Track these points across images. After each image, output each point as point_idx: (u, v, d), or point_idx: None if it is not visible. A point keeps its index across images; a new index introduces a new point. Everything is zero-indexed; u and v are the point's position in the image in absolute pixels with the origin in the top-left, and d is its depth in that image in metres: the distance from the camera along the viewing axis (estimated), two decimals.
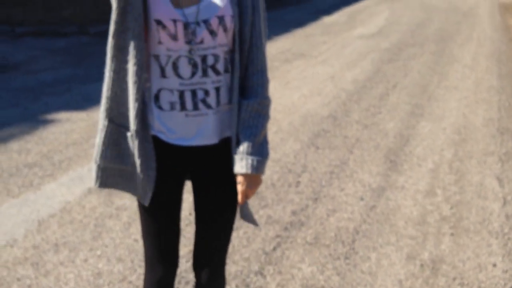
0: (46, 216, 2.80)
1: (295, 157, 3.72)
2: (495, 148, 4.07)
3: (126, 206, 2.92)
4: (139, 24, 1.33)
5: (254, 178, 1.46)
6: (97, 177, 1.50)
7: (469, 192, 3.32)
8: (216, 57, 1.40)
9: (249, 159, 1.43)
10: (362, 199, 3.16)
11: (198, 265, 1.61)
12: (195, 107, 1.41)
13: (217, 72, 1.41)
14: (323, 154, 3.81)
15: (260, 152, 1.47)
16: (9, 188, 3.10)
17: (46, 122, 4.17)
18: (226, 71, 1.43)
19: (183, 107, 1.40)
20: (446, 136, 4.28)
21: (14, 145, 3.70)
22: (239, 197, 1.46)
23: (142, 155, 1.42)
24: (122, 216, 2.83)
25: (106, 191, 3.02)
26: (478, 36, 9.59)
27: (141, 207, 1.52)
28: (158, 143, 1.45)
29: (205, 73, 1.39)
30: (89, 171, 3.34)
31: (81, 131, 4.04)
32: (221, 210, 1.55)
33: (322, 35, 8.94)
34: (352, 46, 8.08)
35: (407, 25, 10.66)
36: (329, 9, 12.81)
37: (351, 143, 4.05)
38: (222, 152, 1.49)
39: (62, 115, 4.36)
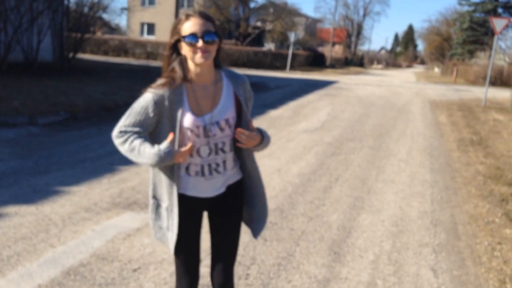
0: None
1: (244, 249, 3.85)
2: (429, 239, 4.38)
3: None
4: (170, 130, 2.05)
5: (257, 138, 2.13)
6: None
7: (406, 282, 3.54)
8: (223, 143, 2.15)
9: (266, 132, 2.22)
10: None
11: (215, 271, 2.31)
12: (210, 174, 2.16)
13: (224, 152, 2.17)
14: (271, 246, 3.97)
15: (268, 136, 2.23)
16: None
17: None
18: (230, 150, 2.20)
19: (203, 174, 2.15)
20: (385, 228, 4.57)
21: None
22: (245, 133, 2.07)
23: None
24: None
25: None
26: (411, 132, 10.38)
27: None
28: (184, 197, 2.16)
29: (216, 153, 2.15)
30: (38, 266, 3.33)
31: (29, 225, 4.02)
32: (230, 230, 2.31)
33: (269, 129, 9.40)
34: (297, 139, 8.54)
35: (347, 120, 11.39)
36: (275, 103, 13.53)
37: (297, 235, 4.25)
38: (228, 194, 2.26)
39: (10, 209, 4.33)
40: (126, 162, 6.20)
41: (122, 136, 2.06)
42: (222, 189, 2.23)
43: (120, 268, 3.41)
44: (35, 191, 4.88)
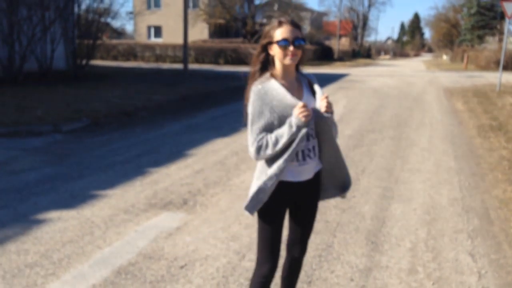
0: None
1: (283, 242, 3.94)
2: (463, 225, 4.44)
3: None
4: (280, 119, 2.30)
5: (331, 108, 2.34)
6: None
7: (446, 268, 3.61)
8: (312, 129, 2.36)
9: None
10: (352, 279, 3.39)
11: (294, 245, 2.64)
12: (304, 159, 2.36)
13: (313, 138, 2.38)
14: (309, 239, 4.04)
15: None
16: None
17: (38, 222, 4.26)
18: (315, 137, 2.39)
19: (297, 159, 2.35)
20: (418, 217, 4.64)
21: (11, 246, 3.78)
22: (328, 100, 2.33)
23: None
24: None
25: None
26: (430, 120, 10.39)
27: (263, 222, 2.43)
28: (282, 183, 2.35)
29: (308, 139, 2.35)
30: (89, 267, 3.46)
31: (74, 229, 4.15)
32: (312, 212, 2.59)
33: None
34: None
35: (364, 112, 11.43)
36: None
37: (333, 227, 4.33)
38: (314, 181, 2.48)
39: (53, 214, 4.47)
40: (155, 164, 6.33)
41: (258, 144, 2.26)
42: (311, 175, 2.43)
43: (167, 266, 3.52)
44: (72, 196, 5.01)
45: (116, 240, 3.95)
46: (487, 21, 47.12)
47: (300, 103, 2.22)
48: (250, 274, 3.32)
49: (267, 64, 2.36)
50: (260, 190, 2.30)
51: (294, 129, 2.22)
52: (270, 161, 2.32)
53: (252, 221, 4.42)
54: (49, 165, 6.22)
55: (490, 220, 4.61)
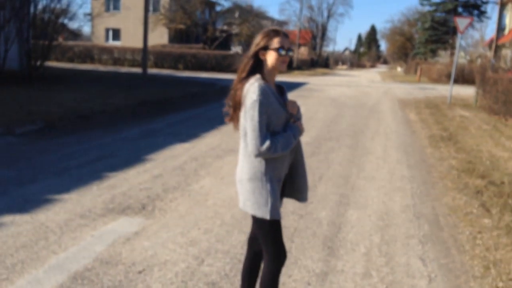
0: None
1: (242, 247, 3.98)
2: (415, 231, 4.61)
3: None
4: (278, 118, 2.50)
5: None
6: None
7: (399, 272, 3.75)
8: None
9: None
10: (309, 284, 3.46)
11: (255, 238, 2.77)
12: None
13: None
14: None
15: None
16: None
17: None
18: None
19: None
20: (372, 223, 4.79)
21: None
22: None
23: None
24: None
25: None
26: (384, 130, 10.71)
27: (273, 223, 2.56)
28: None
29: None
30: (44, 273, 3.38)
31: (28, 233, 4.05)
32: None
33: None
34: None
35: (322, 121, 11.65)
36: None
37: (291, 233, 4.40)
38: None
39: (5, 219, 4.34)
40: (112, 168, 6.25)
41: (272, 143, 2.40)
42: (287, 171, 2.67)
43: (125, 271, 3.49)
44: (26, 200, 4.88)
45: (72, 245, 3.89)
46: (440, 35, 48.98)
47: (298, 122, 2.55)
48: (209, 279, 3.35)
49: (255, 70, 2.51)
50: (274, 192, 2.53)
51: (297, 138, 2.53)
52: (270, 161, 2.49)
53: (211, 226, 4.44)
54: (2, 168, 6.04)
55: (440, 226, 4.81)
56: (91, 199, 5.04)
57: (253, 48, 2.52)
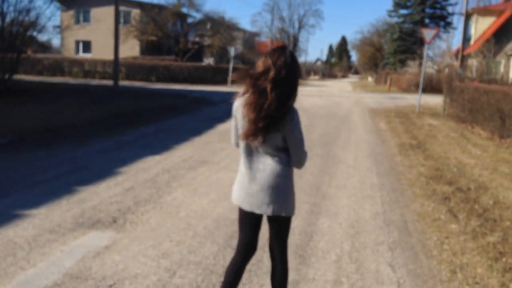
0: None
1: (214, 258, 4.00)
2: (384, 238, 4.70)
3: None
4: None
5: None
6: None
7: (368, 278, 3.81)
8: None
9: None
10: None
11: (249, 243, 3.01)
12: None
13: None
14: None
15: None
16: None
17: None
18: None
19: None
20: (343, 230, 4.86)
21: None
22: None
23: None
24: None
25: None
26: (355, 139, 10.87)
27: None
28: None
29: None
30: None
31: None
32: None
33: (220, 142, 9.57)
34: None
35: None
36: (222, 117, 13.70)
37: (262, 242, 4.41)
38: None
39: None
40: (83, 182, 6.18)
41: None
42: None
43: (95, 285, 3.46)
44: None
45: (41, 260, 3.83)
46: (408, 46, 50.04)
47: None
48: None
49: None
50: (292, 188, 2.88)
51: None
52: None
53: (183, 237, 4.44)
54: None
55: (409, 232, 4.91)
56: (61, 213, 4.97)
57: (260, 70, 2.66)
